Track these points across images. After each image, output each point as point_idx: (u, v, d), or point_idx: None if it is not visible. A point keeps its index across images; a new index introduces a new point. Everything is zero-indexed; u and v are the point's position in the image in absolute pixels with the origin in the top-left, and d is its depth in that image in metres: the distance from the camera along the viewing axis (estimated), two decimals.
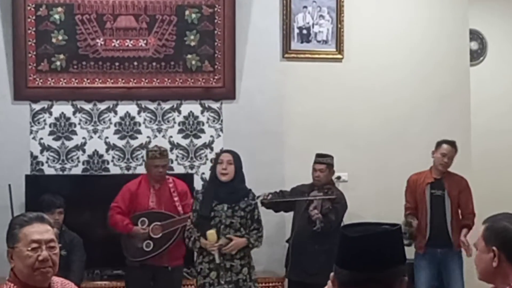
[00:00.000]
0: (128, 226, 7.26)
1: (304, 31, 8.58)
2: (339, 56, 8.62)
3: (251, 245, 6.73)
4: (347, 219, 7.47)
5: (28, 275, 3.38)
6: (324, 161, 7.59)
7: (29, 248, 3.35)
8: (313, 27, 8.58)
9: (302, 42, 8.56)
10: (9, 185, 7.65)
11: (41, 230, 3.40)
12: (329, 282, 2.39)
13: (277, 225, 8.12)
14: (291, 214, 7.73)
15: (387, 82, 8.72)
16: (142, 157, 8.10)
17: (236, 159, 6.79)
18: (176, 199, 7.34)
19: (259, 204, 7.09)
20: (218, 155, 7.03)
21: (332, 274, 2.37)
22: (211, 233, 6.58)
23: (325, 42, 8.60)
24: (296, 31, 8.56)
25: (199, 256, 6.75)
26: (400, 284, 2.32)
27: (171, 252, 7.29)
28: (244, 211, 6.73)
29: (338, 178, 8.00)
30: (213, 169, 6.92)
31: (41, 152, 8.15)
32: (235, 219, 6.69)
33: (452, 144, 7.82)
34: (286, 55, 8.53)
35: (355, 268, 2.28)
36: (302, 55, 8.56)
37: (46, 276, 3.41)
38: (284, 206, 7.64)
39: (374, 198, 8.48)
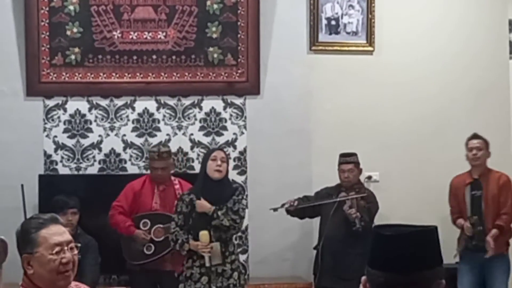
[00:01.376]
0: (130, 228, 7.14)
1: (333, 22, 8.33)
2: (370, 48, 8.38)
3: (220, 225, 6.48)
4: (377, 221, 7.27)
5: (51, 281, 3.30)
6: (351, 160, 7.44)
7: (53, 252, 3.28)
8: (342, 17, 8.34)
9: (330, 34, 8.32)
10: (22, 186, 7.50)
11: (60, 232, 3.35)
12: (361, 286, 2.31)
13: (303, 231, 7.96)
14: (315, 220, 7.57)
15: (421, 76, 8.44)
16: (229, 154, 7.88)
17: (227, 158, 6.80)
18: None
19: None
20: (209, 152, 6.85)
21: (364, 277, 2.30)
22: (204, 233, 6.46)
23: (355, 33, 8.36)
24: (324, 22, 8.31)
25: (188, 260, 6.61)
26: (437, 287, 2.25)
27: (176, 257, 7.06)
28: (232, 211, 6.60)
29: (369, 178, 7.86)
30: (203, 167, 6.70)
31: (55, 150, 7.99)
32: (224, 222, 6.55)
33: (476, 136, 7.61)
34: (313, 48, 8.28)
35: (389, 269, 2.21)
36: (330, 48, 8.32)
37: (69, 280, 3.36)
38: (310, 212, 7.46)
39: (407, 199, 8.24)
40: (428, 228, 2.28)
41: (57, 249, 3.29)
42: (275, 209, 7.27)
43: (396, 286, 2.21)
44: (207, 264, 6.45)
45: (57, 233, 3.33)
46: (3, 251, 2.11)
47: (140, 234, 7.09)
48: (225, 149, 6.89)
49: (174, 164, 7.67)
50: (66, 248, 3.32)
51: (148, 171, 7.61)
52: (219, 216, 6.52)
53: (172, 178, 7.31)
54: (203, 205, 6.51)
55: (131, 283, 7.30)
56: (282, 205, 7.21)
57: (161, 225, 7.08)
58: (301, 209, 7.34)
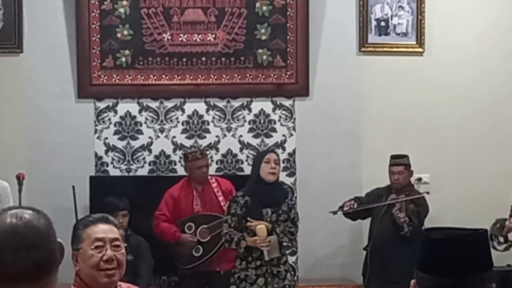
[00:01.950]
0: (176, 234, 7.14)
1: (382, 23, 8.26)
2: (420, 49, 8.29)
3: (275, 233, 6.48)
4: (428, 224, 7.17)
5: (93, 277, 3.28)
6: (402, 162, 7.36)
7: (93, 247, 3.29)
8: (391, 18, 8.27)
9: (380, 35, 8.25)
10: (73, 187, 7.54)
11: (105, 229, 3.34)
12: None
13: (353, 232, 7.93)
14: (365, 221, 7.54)
15: (473, 76, 8.33)
16: (211, 157, 7.93)
17: (279, 160, 6.79)
18: (221, 198, 7.19)
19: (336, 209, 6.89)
20: (263, 154, 6.88)
21: (413, 280, 2.25)
22: (262, 227, 6.43)
23: (405, 34, 8.28)
24: (374, 23, 8.25)
25: (242, 262, 6.59)
26: None
27: (222, 255, 7.10)
28: (287, 214, 6.61)
29: (419, 179, 7.81)
30: (256, 169, 6.68)
31: (106, 152, 8.04)
32: (279, 223, 6.57)
33: None
34: (363, 49, 8.23)
35: (439, 273, 2.17)
36: (380, 49, 8.26)
37: (112, 278, 3.31)
38: (362, 214, 7.42)
39: (459, 202, 8.13)
40: (478, 231, 2.23)
41: (97, 244, 3.29)
42: (334, 212, 7.24)
43: None
44: (266, 258, 6.41)
45: (102, 230, 3.33)
46: (60, 253, 2.12)
47: (187, 237, 7.09)
48: (276, 152, 6.88)
49: None
50: (108, 245, 3.30)
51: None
52: (279, 235, 6.51)
53: (209, 177, 7.31)
54: (262, 230, 6.46)
55: (181, 286, 7.31)
56: (341, 208, 7.17)
57: (206, 226, 7.08)
58: (355, 211, 7.29)
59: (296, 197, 7.57)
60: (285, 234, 6.55)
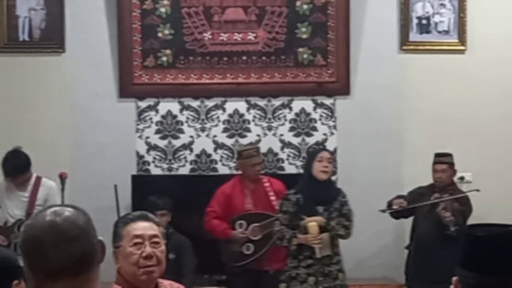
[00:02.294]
0: (226, 231, 7.13)
1: (424, 21, 8.22)
2: (462, 47, 8.24)
3: (331, 227, 6.48)
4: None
5: (134, 274, 3.29)
6: (445, 160, 7.29)
7: (131, 244, 3.29)
8: (433, 16, 8.23)
9: (421, 33, 8.22)
10: (115, 186, 7.56)
11: (144, 227, 3.34)
12: (452, 287, 2.27)
13: (395, 231, 7.89)
14: (407, 221, 7.47)
15: None
16: None
17: (332, 160, 6.78)
18: (273, 198, 7.14)
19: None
20: (315, 152, 6.84)
21: (455, 278, 2.26)
22: (313, 225, 6.41)
23: (447, 32, 8.23)
24: (415, 21, 8.21)
25: (293, 260, 6.57)
26: None
27: (272, 255, 7.09)
28: (339, 211, 6.59)
29: (462, 178, 7.70)
30: (308, 167, 6.66)
31: (148, 151, 8.08)
32: (340, 231, 6.56)
33: None
34: (404, 47, 8.20)
35: (483, 271, 2.14)
36: (421, 47, 8.22)
37: (151, 275, 3.31)
38: (405, 213, 7.34)
39: (503, 201, 8.05)
40: None
41: (135, 241, 3.29)
42: (383, 211, 7.20)
43: None
44: (318, 256, 6.40)
45: (141, 227, 3.33)
46: (101, 251, 2.14)
47: (237, 234, 7.08)
48: (329, 150, 6.88)
49: None
50: (147, 242, 3.30)
51: (238, 172, 7.62)
52: (334, 227, 6.51)
53: (261, 176, 7.30)
54: (315, 220, 6.45)
55: (229, 284, 7.30)
56: (390, 206, 7.12)
57: (257, 224, 7.06)
58: (398, 210, 7.23)
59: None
60: (342, 227, 6.55)
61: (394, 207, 7.11)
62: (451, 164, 7.28)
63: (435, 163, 7.29)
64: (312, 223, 6.40)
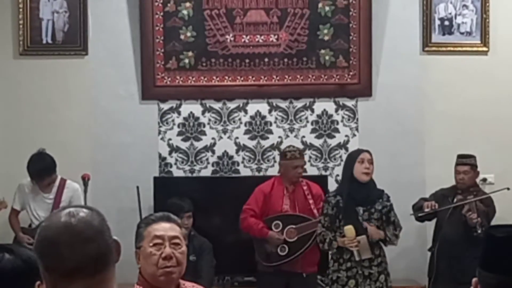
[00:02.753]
0: (263, 230, 7.09)
1: (446, 22, 8.17)
2: (485, 48, 8.18)
3: (388, 239, 6.54)
4: None
5: (153, 275, 3.30)
6: (468, 162, 7.25)
7: (151, 244, 3.31)
8: (455, 17, 8.18)
9: (444, 34, 8.17)
10: (137, 187, 7.56)
11: (165, 228, 3.35)
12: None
13: (417, 233, 7.86)
14: (430, 223, 7.46)
15: None
16: (274, 158, 7.97)
17: (373, 160, 6.69)
18: (311, 201, 7.12)
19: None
20: (356, 154, 6.79)
21: (475, 278, 2.25)
22: (349, 228, 6.40)
23: (469, 33, 8.18)
24: (438, 22, 8.16)
25: (334, 263, 6.59)
26: None
27: (306, 258, 7.08)
28: (380, 213, 6.57)
29: (484, 180, 7.75)
30: (349, 169, 6.66)
31: (170, 153, 8.09)
32: (372, 222, 6.53)
33: None
34: (426, 48, 8.15)
35: (502, 272, 2.14)
36: (444, 48, 8.17)
37: (171, 276, 3.31)
38: (431, 215, 7.29)
39: None
40: None
41: (155, 241, 3.30)
42: (415, 214, 7.17)
43: None
44: (357, 259, 6.39)
45: (162, 228, 3.34)
46: (116, 251, 2.16)
47: (274, 235, 7.04)
48: (369, 151, 6.75)
49: None
50: (167, 243, 3.31)
51: (261, 173, 7.62)
52: (391, 239, 6.53)
53: (300, 179, 7.25)
54: (349, 230, 6.44)
55: (259, 284, 7.31)
56: (421, 209, 7.06)
57: (293, 226, 7.02)
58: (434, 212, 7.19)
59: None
60: (395, 237, 6.57)
61: (426, 209, 7.03)
62: (474, 166, 7.24)
63: (457, 164, 7.26)
64: (348, 226, 6.39)
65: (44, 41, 8.01)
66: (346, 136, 8.08)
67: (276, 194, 7.18)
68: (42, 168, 7.14)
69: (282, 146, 7.87)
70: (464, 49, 8.17)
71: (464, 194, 7.13)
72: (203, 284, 5.19)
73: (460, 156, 7.29)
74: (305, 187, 7.19)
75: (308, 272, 7.08)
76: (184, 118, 8.06)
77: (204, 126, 8.07)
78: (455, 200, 7.15)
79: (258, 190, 7.21)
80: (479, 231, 6.74)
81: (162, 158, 8.05)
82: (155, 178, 7.84)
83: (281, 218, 7.11)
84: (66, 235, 2.06)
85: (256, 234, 7.12)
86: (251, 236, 7.19)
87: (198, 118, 8.06)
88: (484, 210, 6.98)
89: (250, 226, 7.12)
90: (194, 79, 8.00)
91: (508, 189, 7.02)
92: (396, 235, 6.58)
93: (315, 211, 7.05)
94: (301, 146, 7.95)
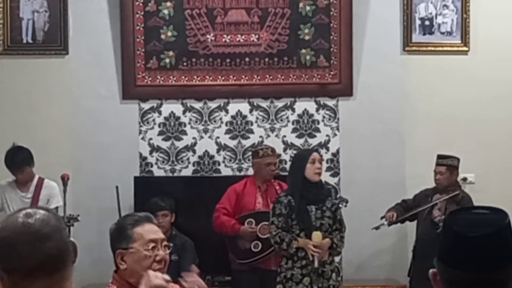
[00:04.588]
0: (235, 227, 7.09)
1: (427, 22, 8.18)
2: (465, 48, 8.20)
3: (335, 246, 6.56)
4: None
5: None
6: (444, 162, 7.26)
7: (148, 248, 3.30)
8: (436, 17, 8.19)
9: (424, 34, 8.18)
10: (117, 187, 7.55)
11: (154, 230, 3.37)
12: (431, 278, 2.21)
13: (398, 232, 7.86)
14: (411, 223, 7.49)
15: None
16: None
17: (322, 159, 6.74)
18: None
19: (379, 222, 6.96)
20: (307, 154, 6.77)
21: (432, 270, 2.17)
22: (317, 234, 6.41)
23: (449, 33, 8.19)
24: (418, 22, 8.17)
25: (288, 261, 6.55)
26: None
27: (279, 255, 6.96)
28: (330, 211, 6.58)
29: (464, 179, 7.72)
30: (301, 170, 6.59)
31: (150, 153, 8.07)
32: (325, 220, 6.55)
33: None
34: (407, 48, 8.16)
35: (463, 268, 2.07)
36: (424, 48, 8.18)
37: None
38: (410, 216, 7.35)
39: (506, 202, 7.80)
40: (504, 225, 2.11)
41: (152, 245, 3.30)
42: (377, 228, 7.20)
43: (471, 284, 2.09)
44: (316, 265, 6.39)
45: (152, 230, 3.35)
46: (74, 251, 2.16)
47: (246, 229, 7.04)
48: (318, 150, 6.85)
49: None
50: (160, 245, 3.32)
51: (242, 172, 7.61)
52: (337, 244, 6.55)
53: (272, 180, 7.26)
54: (317, 235, 6.45)
55: (234, 283, 7.28)
56: (382, 221, 7.15)
57: (266, 223, 6.97)
58: (397, 221, 7.24)
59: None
60: (341, 242, 6.60)
61: (384, 222, 7.17)
62: (451, 167, 7.23)
63: (435, 164, 7.28)
64: (317, 232, 6.40)
65: (25, 41, 7.99)
66: (327, 135, 8.08)
67: (249, 193, 7.19)
68: (23, 158, 7.13)
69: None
70: (444, 49, 8.18)
71: (442, 194, 7.14)
72: None
73: (438, 157, 7.30)
74: (277, 187, 7.19)
75: None
76: (165, 118, 8.04)
77: (185, 126, 8.05)
78: (433, 199, 7.17)
79: (231, 189, 7.22)
80: (440, 229, 6.77)
81: (142, 158, 8.03)
82: (135, 177, 7.83)
83: (254, 215, 7.11)
84: (25, 235, 2.06)
85: (228, 231, 7.11)
86: (224, 236, 7.18)
87: (179, 117, 8.04)
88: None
89: (223, 223, 7.12)
90: (175, 78, 7.98)
91: (457, 194, 7.06)
92: (342, 237, 6.59)
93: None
94: (281, 146, 7.99)
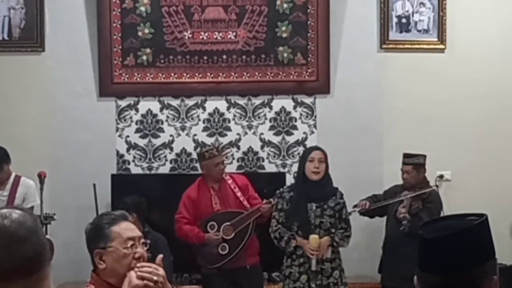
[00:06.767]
0: (199, 235, 7.00)
1: (403, 20, 8.21)
2: (441, 46, 8.22)
3: (336, 244, 6.60)
4: None
5: (123, 276, 3.22)
6: (410, 161, 7.26)
7: (127, 246, 3.27)
8: (413, 15, 8.21)
9: (401, 32, 8.20)
10: (94, 185, 7.55)
11: (131, 228, 3.35)
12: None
13: (369, 229, 7.87)
14: (382, 219, 7.49)
15: (495, 73, 8.24)
16: (232, 155, 7.99)
17: (326, 157, 6.71)
18: (239, 194, 7.10)
19: (350, 209, 6.96)
20: (307, 152, 6.82)
21: (415, 278, 2.26)
22: (314, 237, 6.45)
23: (426, 31, 8.22)
24: (395, 20, 8.20)
25: (288, 259, 6.61)
26: (489, 284, 2.18)
27: (246, 250, 7.04)
28: (333, 210, 6.60)
29: (441, 177, 7.81)
30: (301, 167, 6.70)
31: (128, 150, 8.04)
32: (325, 219, 6.58)
33: None
34: (384, 46, 8.18)
35: (437, 271, 2.17)
36: (401, 46, 8.20)
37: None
38: (379, 211, 7.37)
39: (482, 199, 7.99)
40: (472, 225, 2.19)
41: (130, 243, 3.27)
42: (349, 213, 7.21)
43: (446, 286, 2.16)
44: (313, 268, 6.43)
45: (129, 228, 3.32)
46: (50, 249, 2.15)
47: (211, 236, 6.97)
48: (322, 149, 6.77)
49: None
50: (138, 243, 3.30)
51: (227, 171, 7.56)
52: (339, 243, 6.58)
53: (223, 174, 7.20)
54: (314, 239, 6.48)
55: (205, 284, 7.22)
56: (354, 208, 7.14)
57: (228, 223, 6.97)
58: (371, 209, 7.26)
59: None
60: (344, 240, 6.62)
61: (357, 209, 7.16)
62: (417, 165, 7.22)
63: (402, 163, 7.28)
64: (314, 236, 6.43)
65: (0, 38, 7.94)
66: (304, 133, 8.08)
67: (203, 196, 7.09)
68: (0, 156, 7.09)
69: (241, 143, 7.90)
70: (421, 46, 8.20)
71: (410, 190, 7.15)
72: None
73: (404, 156, 7.28)
74: (230, 181, 7.14)
75: (252, 264, 7.02)
76: (142, 115, 8.02)
77: (162, 123, 8.03)
78: (401, 196, 7.17)
79: (185, 196, 7.12)
80: (402, 226, 6.84)
81: (120, 155, 8.00)
82: (112, 175, 7.80)
83: (214, 218, 7.03)
84: (1, 238, 2.02)
85: (194, 241, 7.03)
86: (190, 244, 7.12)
87: (156, 115, 8.02)
88: (419, 207, 7.01)
89: (186, 233, 7.03)
90: (152, 76, 7.96)
91: (424, 193, 7.07)
92: (347, 236, 6.63)
93: (245, 202, 7.04)
94: (259, 143, 8.00)
